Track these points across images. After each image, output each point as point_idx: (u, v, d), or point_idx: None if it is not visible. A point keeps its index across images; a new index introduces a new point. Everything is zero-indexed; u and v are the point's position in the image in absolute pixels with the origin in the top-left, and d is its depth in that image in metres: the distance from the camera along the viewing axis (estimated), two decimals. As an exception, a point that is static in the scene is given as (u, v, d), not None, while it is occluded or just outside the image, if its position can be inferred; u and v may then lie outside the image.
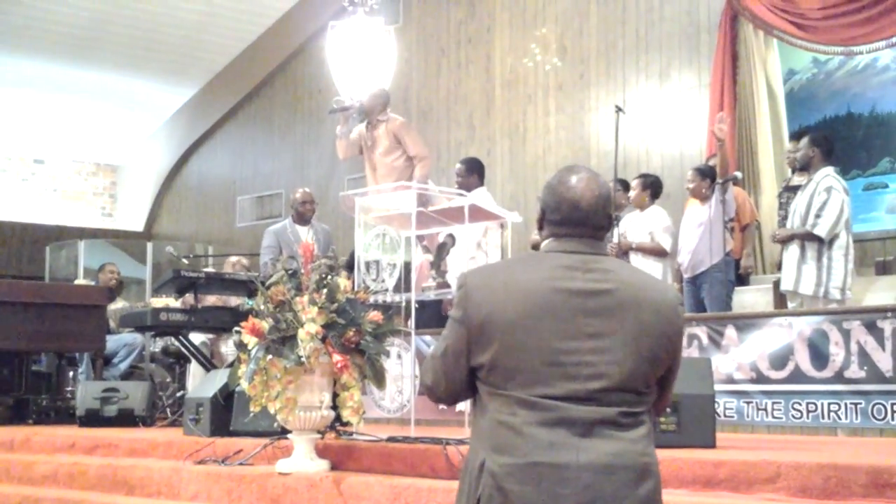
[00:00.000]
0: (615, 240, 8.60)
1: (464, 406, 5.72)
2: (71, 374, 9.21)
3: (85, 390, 7.66)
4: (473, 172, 8.76)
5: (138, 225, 17.54)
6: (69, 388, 8.93)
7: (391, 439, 5.36)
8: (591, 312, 2.48)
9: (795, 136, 8.93)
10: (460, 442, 4.89)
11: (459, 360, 2.57)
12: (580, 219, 2.58)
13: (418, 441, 5.22)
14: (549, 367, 2.45)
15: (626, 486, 2.40)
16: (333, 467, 5.28)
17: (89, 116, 16.61)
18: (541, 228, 2.69)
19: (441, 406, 6.51)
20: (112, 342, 9.10)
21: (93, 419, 7.45)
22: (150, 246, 15.90)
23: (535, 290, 2.49)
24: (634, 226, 8.79)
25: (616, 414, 2.45)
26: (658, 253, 8.62)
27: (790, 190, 8.15)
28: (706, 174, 8.32)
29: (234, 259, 10.17)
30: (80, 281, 12.88)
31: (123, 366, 9.23)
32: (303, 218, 9.11)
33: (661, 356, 2.54)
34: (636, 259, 8.59)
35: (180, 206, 17.13)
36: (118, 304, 10.22)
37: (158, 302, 8.71)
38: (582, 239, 2.58)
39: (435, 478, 4.81)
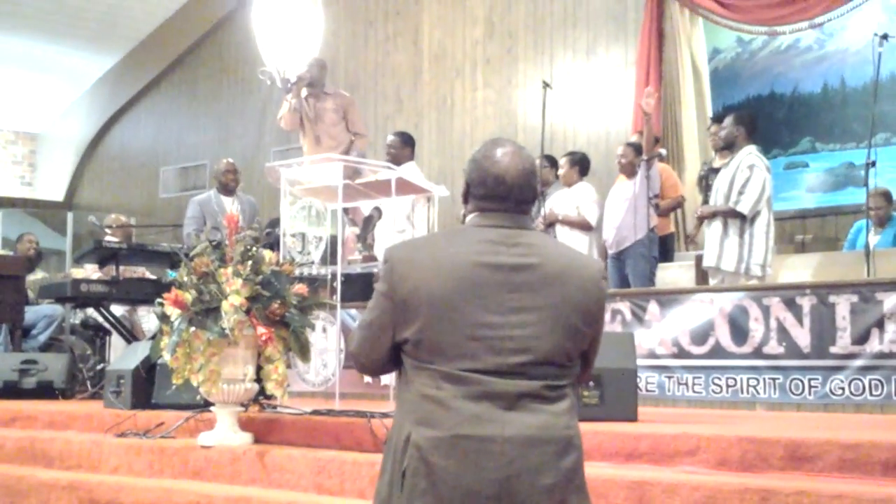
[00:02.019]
0: (542, 215, 8.64)
1: (388, 379, 5.73)
2: (-12, 345, 9.03)
3: (2, 362, 7.53)
4: (407, 146, 8.79)
5: (58, 195, 17.20)
6: (-14, 360, 8.75)
7: (315, 412, 5.35)
8: (516, 287, 2.48)
9: (717, 119, 9.03)
10: (385, 415, 4.89)
11: (384, 334, 2.57)
12: (505, 193, 2.58)
13: (343, 414, 5.22)
14: (473, 342, 2.45)
15: (549, 459, 2.42)
16: (257, 440, 5.25)
17: (8, 83, 16.22)
18: (466, 202, 2.68)
19: (366, 379, 6.52)
20: (31, 313, 8.94)
21: (11, 391, 7.32)
22: (70, 216, 15.62)
23: (460, 265, 2.49)
24: (562, 202, 8.84)
25: (540, 387, 2.46)
26: (583, 226, 8.68)
27: (714, 171, 8.24)
28: (639, 150, 8.39)
29: (112, 216, 10.01)
30: (-2, 251, 12.63)
31: (42, 337, 9.06)
32: (227, 188, 9.03)
33: (584, 330, 2.55)
34: (562, 232, 8.65)
35: (102, 177, 16.81)
36: (37, 275, 10.04)
37: (79, 273, 8.57)
38: (507, 213, 2.58)
39: (359, 451, 4.81)
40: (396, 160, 8.11)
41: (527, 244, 2.54)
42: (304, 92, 9.23)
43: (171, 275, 5.29)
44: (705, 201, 8.18)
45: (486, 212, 2.60)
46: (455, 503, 2.39)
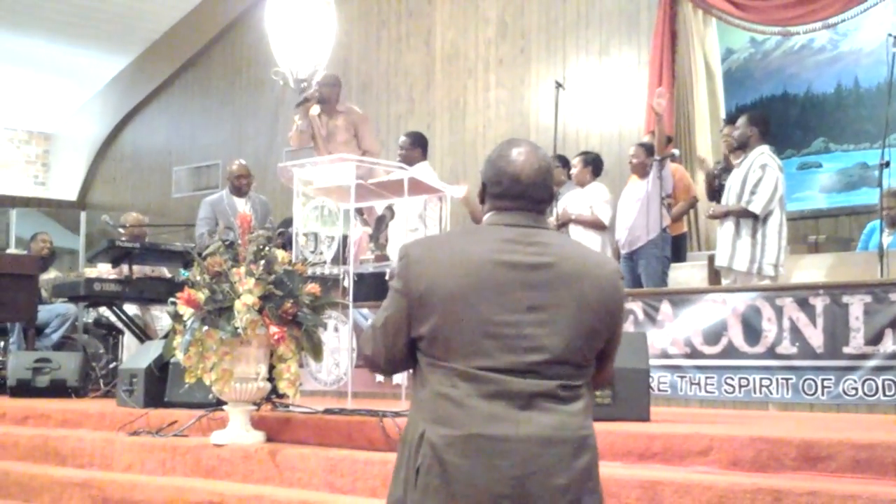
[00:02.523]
0: (555, 215, 8.63)
1: (400, 379, 5.74)
2: (2, 344, 9.07)
3: (16, 360, 7.57)
4: (417, 146, 8.74)
5: (72, 194, 17.26)
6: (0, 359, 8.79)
7: (327, 411, 5.35)
8: (532, 285, 2.48)
9: (730, 121, 9.02)
10: (397, 414, 4.90)
11: (399, 331, 2.56)
12: (520, 192, 2.58)
13: (355, 413, 5.23)
14: (488, 340, 2.44)
15: (564, 459, 2.41)
16: (269, 439, 5.26)
17: (22, 84, 16.28)
18: (482, 202, 2.69)
19: (378, 378, 6.53)
20: (44, 312, 8.97)
21: (24, 390, 7.35)
22: (83, 215, 15.67)
23: (476, 263, 2.49)
24: (575, 201, 8.83)
25: (555, 387, 2.45)
26: (597, 225, 8.67)
27: (726, 171, 8.22)
28: (650, 150, 8.38)
29: (133, 215, 10.03)
30: (12, 250, 12.67)
31: (56, 336, 9.10)
32: (239, 191, 9.01)
33: (601, 329, 2.55)
34: (575, 231, 8.64)
35: (115, 176, 16.86)
36: (51, 274, 10.08)
37: (92, 272, 8.60)
38: (523, 212, 2.58)
39: (371, 450, 4.81)
40: (408, 161, 8.09)
41: (543, 243, 2.54)
42: (316, 109, 9.21)
43: (183, 274, 5.32)
44: (711, 197, 8.15)
45: (503, 211, 2.60)
46: (468, 502, 2.38)
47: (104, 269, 8.61)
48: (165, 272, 8.56)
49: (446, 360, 2.47)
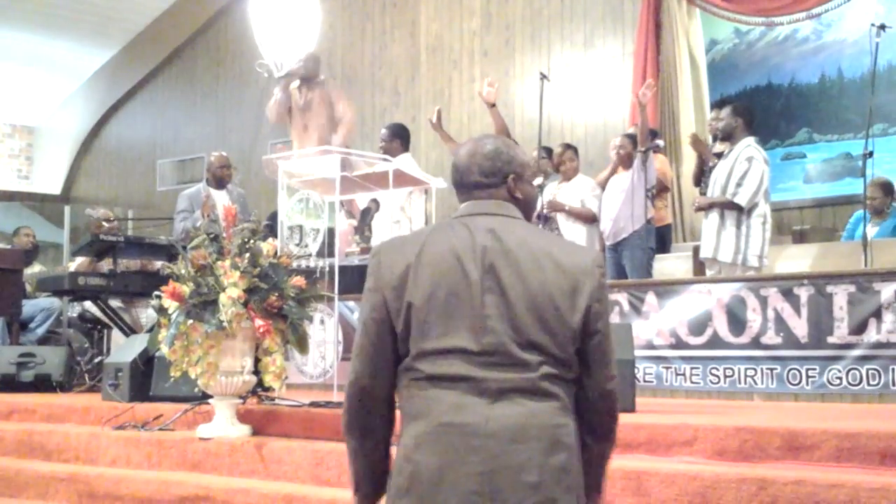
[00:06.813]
0: (540, 206, 8.60)
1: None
2: (-14, 338, 9.04)
3: (0, 355, 7.54)
4: (395, 138, 8.70)
5: (55, 188, 17.19)
6: (-16, 354, 8.75)
7: (313, 404, 5.36)
8: (494, 276, 2.42)
9: (717, 105, 9.02)
10: (383, 407, 4.89)
11: (383, 328, 2.50)
12: (458, 179, 2.64)
13: (340, 406, 5.21)
14: (456, 334, 2.40)
15: (535, 456, 2.34)
16: (255, 432, 5.26)
17: (5, 77, 16.21)
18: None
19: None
20: (29, 307, 8.94)
21: (9, 384, 7.34)
22: (67, 209, 15.60)
23: (438, 254, 2.46)
24: (565, 194, 8.79)
25: (525, 380, 2.38)
26: (588, 217, 8.64)
27: (715, 156, 8.22)
28: (636, 141, 8.37)
29: (101, 211, 10.00)
30: (-5, 244, 12.62)
31: (40, 331, 9.06)
32: (221, 182, 8.97)
33: (569, 321, 2.44)
34: (566, 223, 8.61)
35: (99, 170, 16.80)
36: (35, 269, 10.04)
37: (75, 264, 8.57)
38: (478, 201, 2.58)
39: (357, 442, 4.81)
40: (388, 152, 8.07)
41: (504, 231, 2.49)
42: (296, 83, 9.22)
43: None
44: (697, 182, 8.14)
45: (465, 201, 2.62)
46: (438, 499, 2.34)
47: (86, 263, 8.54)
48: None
49: (415, 355, 2.44)
